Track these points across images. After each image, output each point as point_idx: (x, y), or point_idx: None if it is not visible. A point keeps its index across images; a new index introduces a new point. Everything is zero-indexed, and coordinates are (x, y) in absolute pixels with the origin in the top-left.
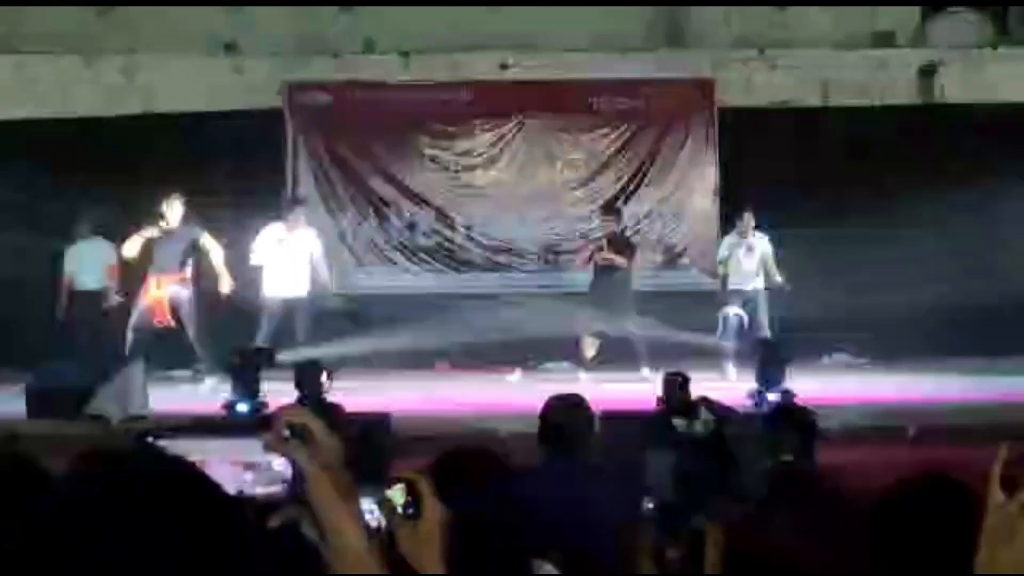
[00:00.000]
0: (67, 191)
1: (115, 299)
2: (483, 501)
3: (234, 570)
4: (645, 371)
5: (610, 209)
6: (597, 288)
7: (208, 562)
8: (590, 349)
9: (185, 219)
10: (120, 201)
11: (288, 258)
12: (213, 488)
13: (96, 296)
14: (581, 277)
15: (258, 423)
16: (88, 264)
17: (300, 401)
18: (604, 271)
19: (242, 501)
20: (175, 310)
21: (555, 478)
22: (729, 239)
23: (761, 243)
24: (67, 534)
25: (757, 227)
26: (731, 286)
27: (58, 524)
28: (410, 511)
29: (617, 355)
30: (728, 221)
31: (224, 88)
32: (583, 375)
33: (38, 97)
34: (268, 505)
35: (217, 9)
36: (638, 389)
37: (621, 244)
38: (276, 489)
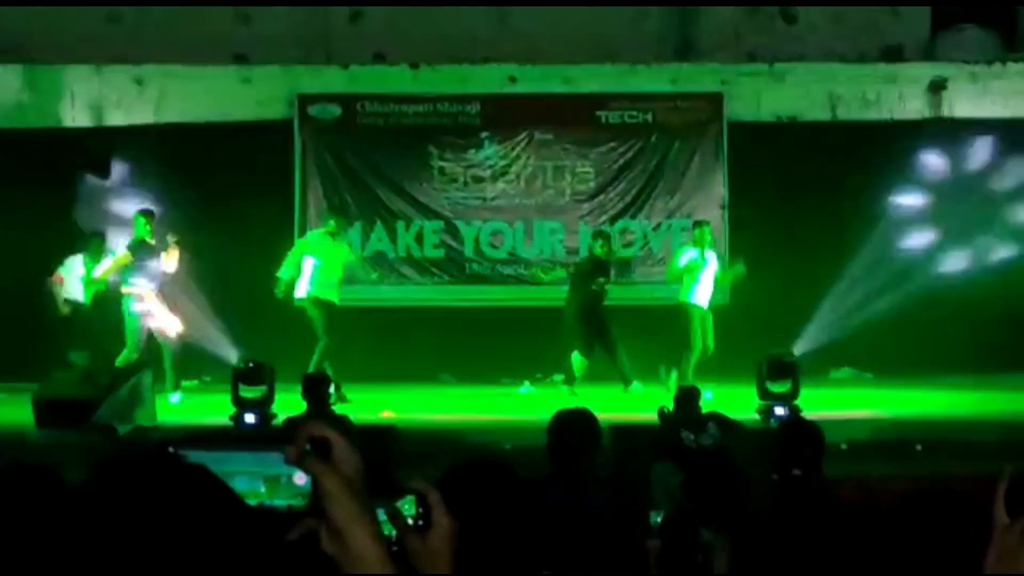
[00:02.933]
0: (74, 200)
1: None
2: (492, 513)
3: None
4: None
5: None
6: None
7: (230, 573)
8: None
9: (156, 233)
10: (125, 211)
11: (327, 268)
12: (236, 501)
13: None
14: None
15: (279, 435)
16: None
17: (311, 413)
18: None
19: (263, 514)
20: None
21: (563, 490)
22: (693, 253)
23: (713, 259)
24: (91, 542)
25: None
26: (694, 301)
27: (81, 532)
28: (420, 522)
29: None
30: (736, 234)
31: (234, 99)
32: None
33: (48, 106)
34: (288, 518)
35: (227, 19)
36: (645, 402)
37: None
38: (297, 502)
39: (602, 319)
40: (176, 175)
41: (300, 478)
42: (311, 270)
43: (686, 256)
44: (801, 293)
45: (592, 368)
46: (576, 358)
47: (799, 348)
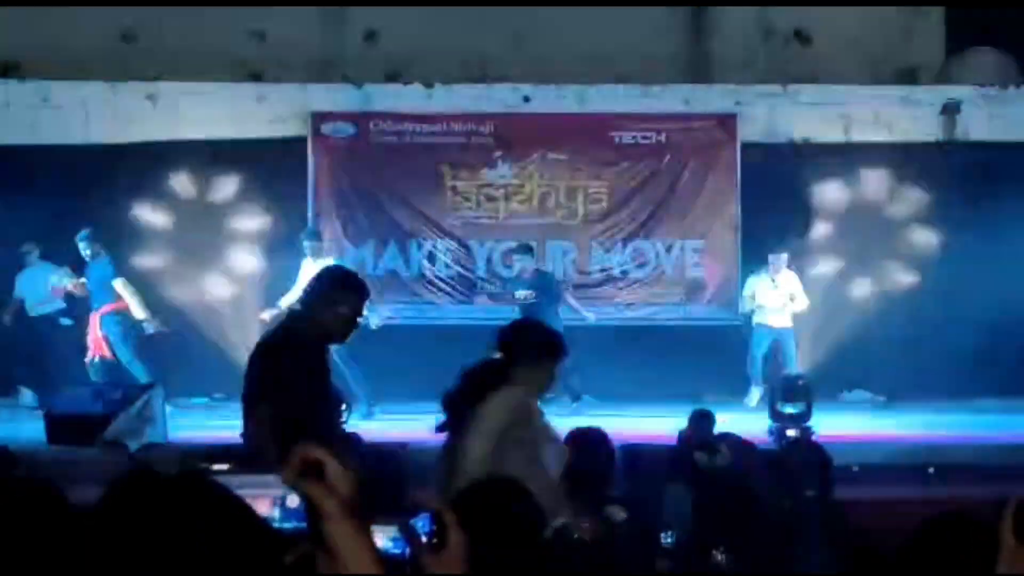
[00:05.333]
0: (89, 217)
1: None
2: (504, 533)
3: None
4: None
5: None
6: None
7: None
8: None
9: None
10: (139, 226)
11: None
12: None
13: (47, 320)
14: (604, 310)
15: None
16: (39, 289)
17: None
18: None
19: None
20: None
21: (576, 509)
22: (758, 278)
23: (790, 280)
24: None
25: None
26: (758, 321)
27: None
28: (434, 540)
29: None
30: (749, 256)
31: (248, 116)
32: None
33: (62, 123)
34: (286, 540)
35: (242, 36)
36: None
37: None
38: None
39: None
40: (189, 192)
41: (293, 500)
42: None
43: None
44: (813, 315)
45: (606, 388)
46: None
47: (811, 370)
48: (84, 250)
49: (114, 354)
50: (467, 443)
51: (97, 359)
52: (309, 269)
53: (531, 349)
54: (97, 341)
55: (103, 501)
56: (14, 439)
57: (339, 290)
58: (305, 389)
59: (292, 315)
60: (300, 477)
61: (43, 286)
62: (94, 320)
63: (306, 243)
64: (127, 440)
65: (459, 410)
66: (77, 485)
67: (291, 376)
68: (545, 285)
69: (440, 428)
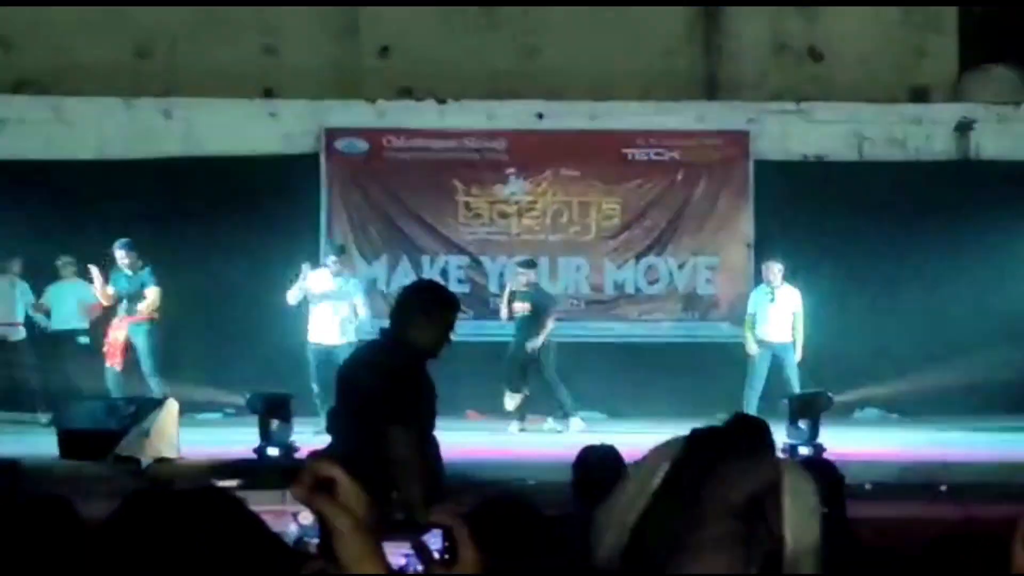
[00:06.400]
0: (104, 232)
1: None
2: (515, 550)
3: None
4: (551, 421)
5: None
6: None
7: None
8: (511, 401)
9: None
10: (153, 242)
11: (331, 306)
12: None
13: (67, 336)
14: (618, 327)
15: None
16: (67, 304)
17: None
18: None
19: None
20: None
21: (588, 527)
22: (757, 291)
23: (791, 296)
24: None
25: (787, 279)
26: (758, 336)
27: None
28: (446, 557)
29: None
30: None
31: (261, 132)
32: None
33: (76, 138)
34: (300, 556)
35: (255, 53)
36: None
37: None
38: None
39: None
40: (202, 207)
41: (305, 516)
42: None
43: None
44: (826, 332)
45: (617, 405)
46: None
47: (822, 387)
48: (123, 259)
49: (127, 362)
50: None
51: (114, 367)
52: (325, 284)
53: (427, 305)
54: (114, 348)
55: (115, 515)
56: (27, 454)
57: (437, 307)
58: (427, 409)
59: (392, 335)
60: (312, 493)
61: (72, 302)
62: (120, 326)
63: (331, 258)
64: (139, 455)
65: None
66: (88, 499)
67: (416, 397)
68: (543, 303)
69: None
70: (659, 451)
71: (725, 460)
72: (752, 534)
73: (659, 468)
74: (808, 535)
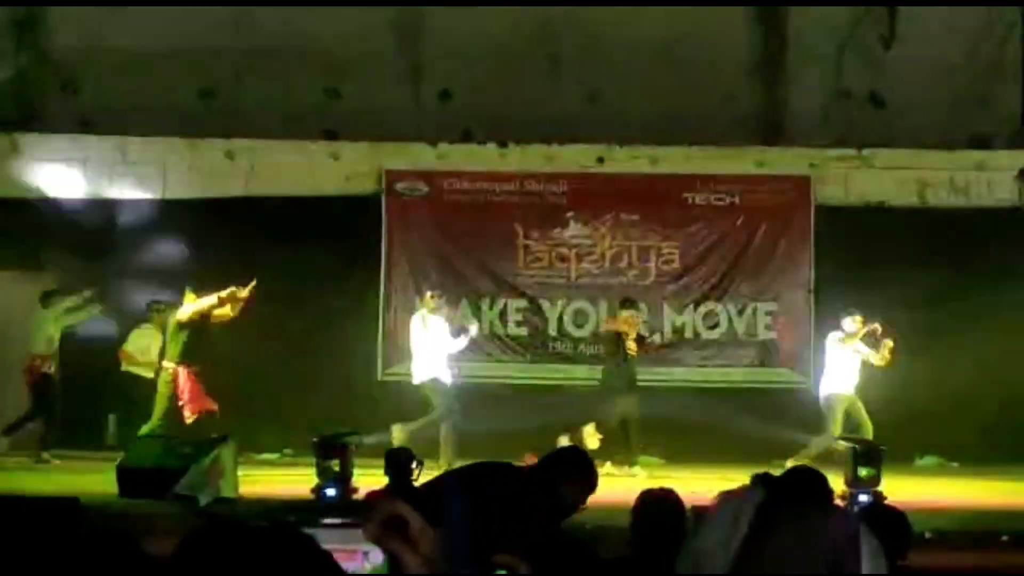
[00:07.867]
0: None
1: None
2: None
3: None
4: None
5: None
6: (622, 378)
7: None
8: (593, 441)
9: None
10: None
11: (430, 344)
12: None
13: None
14: (676, 372)
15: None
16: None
17: (393, 488)
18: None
19: None
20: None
21: (646, 571)
22: (832, 339)
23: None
24: None
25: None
26: (829, 384)
27: None
28: None
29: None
30: (824, 319)
31: (322, 173)
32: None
33: (140, 178)
34: None
35: (317, 95)
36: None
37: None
38: None
39: None
40: (264, 247)
41: (377, 555)
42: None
43: None
44: (888, 379)
45: (677, 450)
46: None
47: (884, 435)
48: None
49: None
50: None
51: (195, 415)
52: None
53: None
54: (200, 395)
55: (184, 549)
56: (85, 491)
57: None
58: None
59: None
60: (384, 532)
61: (149, 347)
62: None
63: (438, 299)
64: (198, 494)
65: None
66: (147, 538)
67: None
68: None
69: None
70: (735, 498)
71: (805, 511)
72: None
73: (742, 514)
74: None
